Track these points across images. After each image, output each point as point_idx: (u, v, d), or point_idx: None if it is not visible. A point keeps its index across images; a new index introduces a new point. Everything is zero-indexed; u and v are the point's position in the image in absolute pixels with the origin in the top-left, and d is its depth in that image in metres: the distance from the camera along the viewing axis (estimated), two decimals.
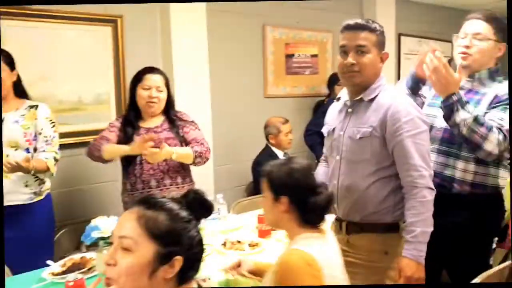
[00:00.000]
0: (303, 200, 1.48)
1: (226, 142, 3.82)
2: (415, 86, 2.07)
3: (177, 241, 1.07)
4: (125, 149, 2.42)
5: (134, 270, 1.04)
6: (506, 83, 1.92)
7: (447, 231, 1.92)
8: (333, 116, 1.90)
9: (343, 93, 1.85)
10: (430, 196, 1.66)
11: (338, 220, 1.83)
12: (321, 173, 1.98)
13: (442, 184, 1.94)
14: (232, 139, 3.89)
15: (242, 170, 3.82)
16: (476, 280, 1.73)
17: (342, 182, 1.79)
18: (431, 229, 1.65)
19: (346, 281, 1.53)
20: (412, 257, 1.62)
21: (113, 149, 2.45)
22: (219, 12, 3.65)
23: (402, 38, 5.15)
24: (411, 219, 1.64)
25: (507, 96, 1.85)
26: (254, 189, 3.51)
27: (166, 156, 2.36)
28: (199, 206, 1.15)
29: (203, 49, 3.48)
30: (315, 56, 4.49)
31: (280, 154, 3.53)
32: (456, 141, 1.91)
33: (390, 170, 1.72)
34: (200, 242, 1.13)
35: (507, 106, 1.82)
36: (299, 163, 1.53)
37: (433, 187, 1.68)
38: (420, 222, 1.63)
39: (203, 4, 3.41)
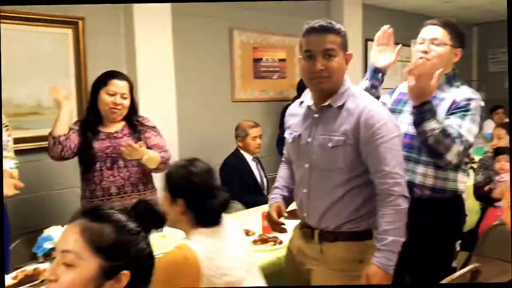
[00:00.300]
0: (199, 204, 1.51)
1: (193, 147, 3.75)
2: (375, 78, 2.07)
3: (124, 255, 1.02)
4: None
5: (76, 287, 0.98)
6: (463, 88, 1.95)
7: (409, 236, 1.93)
8: (296, 121, 1.82)
9: (307, 97, 1.78)
10: (405, 204, 1.63)
11: (309, 228, 1.78)
12: (284, 176, 1.95)
13: None
14: (199, 144, 3.84)
15: None
16: None
17: (313, 191, 1.74)
18: (404, 239, 1.62)
19: (253, 280, 1.55)
20: (380, 265, 1.59)
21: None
22: (185, 15, 3.61)
23: (369, 43, 5.21)
24: (384, 227, 1.61)
25: (465, 102, 1.87)
26: None
27: (140, 155, 2.32)
28: (149, 217, 1.11)
29: (168, 52, 3.42)
30: (283, 60, 4.49)
31: (249, 158, 3.50)
32: (415, 146, 1.92)
33: (363, 177, 1.68)
34: (149, 255, 1.08)
35: (466, 113, 1.85)
36: (198, 167, 1.55)
37: (408, 195, 1.65)
38: (392, 230, 1.60)
39: (168, 6, 3.36)
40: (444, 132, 1.78)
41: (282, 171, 1.97)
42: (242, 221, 2.62)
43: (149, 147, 2.43)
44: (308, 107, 1.76)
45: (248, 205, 3.08)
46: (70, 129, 2.43)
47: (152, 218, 1.12)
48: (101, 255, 1.00)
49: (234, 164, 3.46)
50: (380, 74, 2.07)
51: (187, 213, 1.53)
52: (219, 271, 1.47)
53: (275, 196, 1.92)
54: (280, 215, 1.87)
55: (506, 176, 3.09)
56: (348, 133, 1.65)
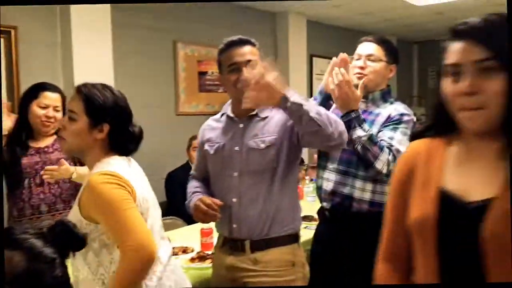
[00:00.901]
0: (124, 128, 1.47)
1: (136, 160, 3.65)
2: (324, 101, 2.08)
3: (36, 285, 0.94)
4: None
5: None
6: (397, 104, 2.00)
7: (348, 249, 1.94)
8: (216, 134, 1.85)
9: (227, 109, 1.83)
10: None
11: (237, 241, 1.77)
12: (199, 185, 1.90)
13: (342, 203, 1.97)
14: (141, 157, 3.73)
15: (153, 189, 3.68)
16: None
17: (244, 198, 1.74)
18: (313, 113, 1.56)
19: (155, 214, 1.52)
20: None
21: None
22: (126, 26, 3.53)
23: (314, 59, 5.31)
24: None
25: (398, 116, 1.92)
26: (167, 209, 3.40)
27: (65, 175, 2.19)
28: (68, 240, 1.03)
29: (108, 64, 3.33)
30: None
31: None
32: (353, 161, 1.94)
33: (291, 175, 1.76)
34: (65, 283, 1.00)
35: (397, 126, 1.90)
36: (117, 91, 1.50)
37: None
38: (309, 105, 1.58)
39: (108, 16, 3.27)
40: (372, 140, 1.83)
41: (195, 182, 1.93)
42: (180, 237, 2.55)
43: (77, 161, 2.33)
44: (231, 118, 1.81)
45: (190, 219, 3.01)
46: None
47: (71, 241, 1.04)
48: (10, 286, 0.92)
49: (178, 177, 3.41)
50: (331, 101, 2.08)
51: (107, 140, 1.46)
52: (144, 195, 1.44)
53: (198, 194, 1.84)
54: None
55: None
56: (280, 134, 1.72)
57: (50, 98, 2.31)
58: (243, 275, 1.74)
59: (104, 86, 1.49)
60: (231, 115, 1.81)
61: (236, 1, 4.11)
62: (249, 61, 1.71)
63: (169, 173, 3.44)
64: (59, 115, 2.33)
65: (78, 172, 2.24)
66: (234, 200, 1.76)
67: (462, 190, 0.95)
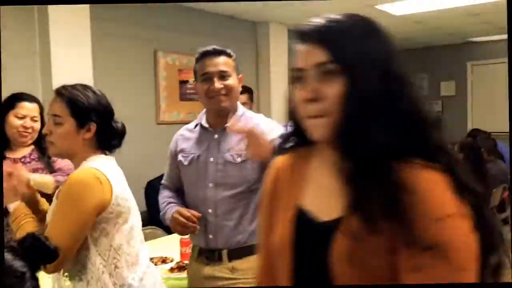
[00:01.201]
0: (110, 125, 1.50)
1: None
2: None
3: None
4: None
5: None
6: None
7: None
8: (190, 144, 1.84)
9: (203, 120, 1.83)
10: None
11: (214, 251, 1.76)
12: (170, 195, 1.90)
13: None
14: (121, 166, 3.71)
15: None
16: None
17: (220, 209, 1.74)
18: None
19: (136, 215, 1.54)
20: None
21: None
22: (105, 35, 3.52)
23: None
24: None
25: None
26: (147, 218, 3.37)
27: (39, 186, 2.16)
28: (38, 253, 1.03)
29: (88, 73, 3.31)
30: None
31: None
32: None
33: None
34: None
35: None
36: (99, 90, 1.53)
37: None
38: None
39: (87, 26, 3.26)
40: None
41: (167, 192, 1.92)
42: (160, 247, 2.54)
43: (54, 171, 2.31)
44: (205, 129, 1.81)
45: (170, 229, 2.99)
46: None
47: (42, 254, 1.04)
48: None
49: (158, 186, 3.37)
50: None
51: (94, 138, 1.48)
52: (124, 195, 1.46)
53: (173, 205, 1.83)
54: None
55: None
56: None
57: (28, 108, 2.29)
58: (221, 284, 1.74)
59: (84, 86, 1.52)
60: (206, 125, 1.81)
61: (221, 1, 4.11)
62: (222, 71, 1.73)
63: (148, 182, 3.42)
64: (36, 125, 2.31)
65: (36, 179, 2.19)
66: (210, 211, 1.75)
67: (317, 208, 0.87)
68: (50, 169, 2.32)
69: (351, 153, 0.79)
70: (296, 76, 0.85)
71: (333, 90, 0.80)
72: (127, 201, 1.48)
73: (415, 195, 0.75)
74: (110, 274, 1.41)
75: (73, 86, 1.49)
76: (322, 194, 0.88)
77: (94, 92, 1.51)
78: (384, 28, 0.86)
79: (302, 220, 0.88)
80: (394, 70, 0.81)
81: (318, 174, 0.90)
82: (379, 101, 0.79)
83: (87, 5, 3.29)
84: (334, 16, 0.84)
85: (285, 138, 0.96)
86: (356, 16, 0.85)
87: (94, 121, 1.47)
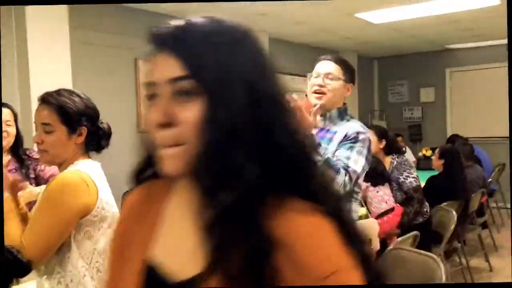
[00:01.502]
0: (96, 128, 1.51)
1: None
2: None
3: None
4: None
5: None
6: (353, 122, 2.04)
7: None
8: None
9: None
10: None
11: None
12: None
13: None
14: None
15: None
16: None
17: None
18: None
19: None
20: None
21: None
22: (85, 44, 3.48)
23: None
24: None
25: (354, 135, 1.95)
26: None
27: (31, 198, 2.11)
28: (12, 267, 1.00)
29: (67, 82, 3.26)
30: None
31: None
32: None
33: None
34: None
35: (353, 145, 1.92)
36: (83, 93, 1.53)
37: None
38: None
39: (67, 35, 3.22)
40: (327, 163, 1.84)
41: None
42: None
43: (46, 179, 2.27)
44: None
45: None
46: None
47: (15, 268, 1.01)
48: None
49: None
50: None
51: (83, 143, 1.49)
52: (108, 200, 1.46)
53: None
54: None
55: None
56: None
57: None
58: None
59: (69, 91, 1.51)
60: None
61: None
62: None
63: (125, 192, 3.38)
64: (11, 129, 2.29)
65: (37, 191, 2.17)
66: None
67: (170, 263, 0.69)
68: (30, 180, 2.28)
69: (210, 193, 0.63)
70: (148, 93, 0.67)
71: (190, 113, 0.62)
72: (112, 207, 1.48)
73: (290, 248, 0.60)
74: (92, 277, 1.39)
75: (58, 92, 1.48)
76: (178, 243, 0.70)
77: (79, 96, 1.50)
78: (257, 38, 0.71)
79: (152, 278, 0.69)
80: (266, 90, 0.66)
81: (175, 216, 0.72)
82: (246, 129, 0.63)
83: (67, 14, 3.25)
84: (196, 19, 0.67)
85: (142, 167, 0.76)
86: (224, 21, 0.68)
87: (85, 125, 1.48)
